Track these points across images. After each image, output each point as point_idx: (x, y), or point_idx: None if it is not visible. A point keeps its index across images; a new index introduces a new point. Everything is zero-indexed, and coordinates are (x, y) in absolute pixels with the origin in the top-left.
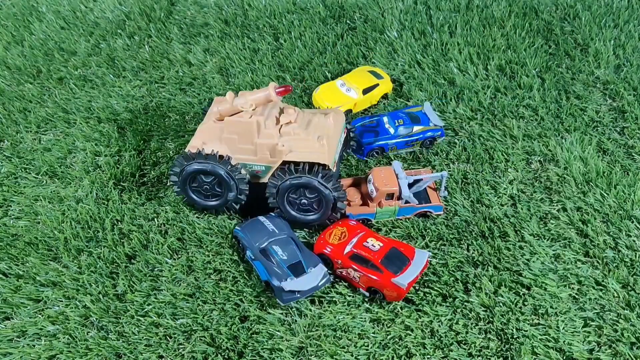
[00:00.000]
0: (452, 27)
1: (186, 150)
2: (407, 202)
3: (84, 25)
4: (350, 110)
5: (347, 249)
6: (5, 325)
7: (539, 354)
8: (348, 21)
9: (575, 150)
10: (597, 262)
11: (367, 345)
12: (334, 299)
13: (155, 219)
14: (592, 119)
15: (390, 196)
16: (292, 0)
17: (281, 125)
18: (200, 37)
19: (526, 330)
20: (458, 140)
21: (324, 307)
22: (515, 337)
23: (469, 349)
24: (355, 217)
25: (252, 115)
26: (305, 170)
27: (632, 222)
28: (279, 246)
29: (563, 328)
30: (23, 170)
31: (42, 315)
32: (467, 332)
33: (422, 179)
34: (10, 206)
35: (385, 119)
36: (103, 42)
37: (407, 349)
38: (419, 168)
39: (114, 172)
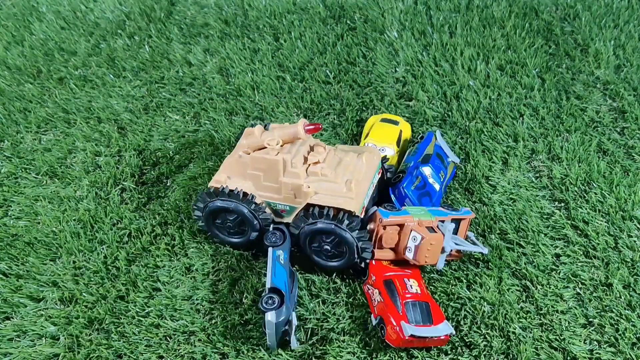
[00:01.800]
0: (452, 27)
1: (210, 185)
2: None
3: (84, 26)
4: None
5: (389, 273)
6: (5, 325)
7: (541, 356)
8: (348, 21)
9: (576, 150)
10: (599, 262)
11: (370, 345)
12: (335, 300)
13: (156, 217)
14: (592, 119)
15: None
16: (292, 1)
17: (309, 165)
18: (200, 37)
19: (529, 329)
20: (461, 139)
21: (327, 306)
22: (517, 335)
23: (470, 348)
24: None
25: (278, 153)
26: (329, 215)
27: (633, 222)
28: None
29: (566, 327)
30: (23, 170)
31: (43, 315)
32: (468, 331)
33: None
34: (10, 206)
35: (426, 171)
36: (103, 42)
37: (408, 349)
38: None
39: (114, 172)
